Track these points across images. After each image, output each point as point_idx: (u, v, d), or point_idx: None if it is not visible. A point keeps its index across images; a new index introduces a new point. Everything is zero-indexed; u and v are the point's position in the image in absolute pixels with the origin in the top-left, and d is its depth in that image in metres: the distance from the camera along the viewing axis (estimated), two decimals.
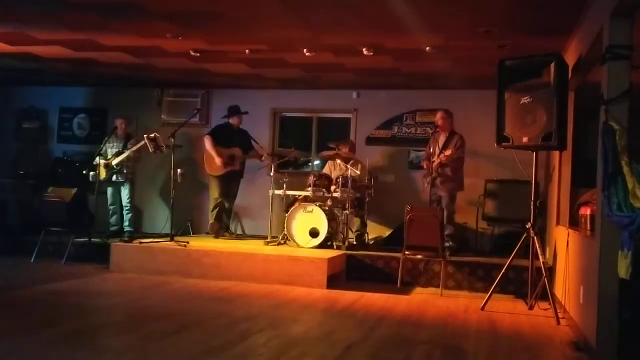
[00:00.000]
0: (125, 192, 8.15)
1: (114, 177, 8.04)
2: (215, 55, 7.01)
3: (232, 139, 7.99)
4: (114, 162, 7.97)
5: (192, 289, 5.90)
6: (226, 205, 8.13)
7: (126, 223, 8.18)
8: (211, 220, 8.08)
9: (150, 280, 6.29)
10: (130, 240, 7.14)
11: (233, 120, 8.07)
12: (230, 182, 8.07)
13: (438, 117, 7.24)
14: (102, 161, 8.03)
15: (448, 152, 6.88)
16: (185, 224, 8.73)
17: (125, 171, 8.07)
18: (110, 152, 8.10)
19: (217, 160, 7.81)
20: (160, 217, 8.82)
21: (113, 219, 8.28)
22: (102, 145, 8.03)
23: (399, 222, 7.31)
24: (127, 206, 8.17)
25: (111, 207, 8.28)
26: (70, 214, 7.34)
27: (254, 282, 6.27)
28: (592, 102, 4.09)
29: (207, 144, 7.93)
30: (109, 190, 8.22)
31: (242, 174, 8.22)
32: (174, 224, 7.41)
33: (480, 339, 4.38)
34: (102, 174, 7.99)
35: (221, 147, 7.88)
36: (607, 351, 3.59)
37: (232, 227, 8.56)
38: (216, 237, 7.98)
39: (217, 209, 8.00)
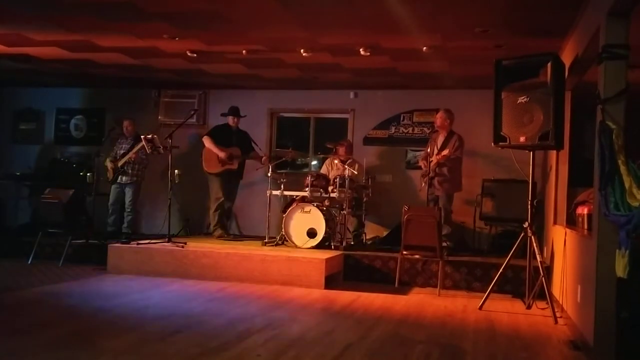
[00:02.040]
0: (128, 194, 8.13)
1: (119, 179, 8.04)
2: (212, 56, 7.01)
3: (230, 139, 7.99)
4: (119, 163, 7.98)
5: (190, 290, 5.89)
6: (226, 205, 8.12)
7: (125, 225, 8.15)
8: (213, 224, 8.03)
9: (148, 281, 6.29)
10: (127, 242, 7.13)
11: (230, 121, 8.09)
12: (230, 182, 8.06)
13: (437, 117, 7.27)
14: (110, 162, 8.02)
15: (445, 153, 6.90)
16: (183, 224, 8.72)
17: (130, 172, 8.05)
18: (120, 153, 8.10)
19: (222, 154, 7.80)
20: (158, 217, 8.80)
21: (111, 219, 8.24)
22: (113, 147, 8.07)
23: (396, 222, 7.31)
24: (128, 208, 8.15)
25: (111, 207, 8.24)
26: (68, 215, 7.31)
27: (251, 283, 6.27)
28: (589, 102, 4.10)
29: (207, 142, 7.92)
30: (113, 189, 8.18)
31: (242, 175, 8.21)
32: (171, 225, 7.40)
33: (479, 339, 4.38)
34: (110, 175, 8.00)
35: (221, 147, 7.90)
36: (605, 350, 3.59)
37: (229, 228, 8.55)
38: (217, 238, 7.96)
39: (219, 211, 7.98)
